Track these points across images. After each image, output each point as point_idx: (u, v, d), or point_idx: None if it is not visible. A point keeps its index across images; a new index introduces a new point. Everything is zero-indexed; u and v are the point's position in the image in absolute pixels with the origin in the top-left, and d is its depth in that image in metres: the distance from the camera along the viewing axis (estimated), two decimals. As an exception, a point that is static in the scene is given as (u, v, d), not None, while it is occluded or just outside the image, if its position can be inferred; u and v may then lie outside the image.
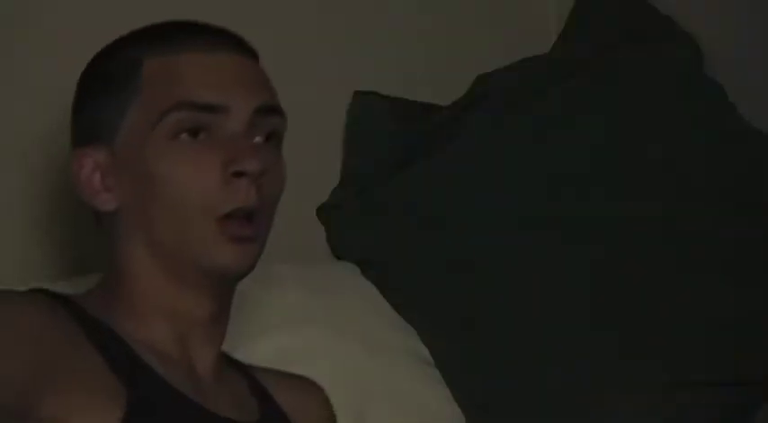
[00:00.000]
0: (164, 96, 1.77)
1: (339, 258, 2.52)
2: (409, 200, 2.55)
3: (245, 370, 1.94)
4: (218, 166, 1.72)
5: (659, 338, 2.47)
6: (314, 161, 2.52)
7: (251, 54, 1.85)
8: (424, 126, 2.65)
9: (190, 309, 1.79)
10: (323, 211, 2.52)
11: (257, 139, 1.77)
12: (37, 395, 1.61)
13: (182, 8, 2.16)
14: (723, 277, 2.52)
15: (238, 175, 1.71)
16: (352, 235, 2.54)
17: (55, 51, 2.56)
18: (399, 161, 2.60)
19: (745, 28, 2.79)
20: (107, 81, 1.83)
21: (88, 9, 2.68)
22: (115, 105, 1.79)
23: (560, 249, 2.56)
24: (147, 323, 1.77)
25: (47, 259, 2.48)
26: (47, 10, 2.59)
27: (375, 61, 2.62)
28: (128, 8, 2.54)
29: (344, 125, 2.59)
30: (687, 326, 2.47)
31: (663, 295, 2.51)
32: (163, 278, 1.77)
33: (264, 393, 1.91)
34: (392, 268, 2.51)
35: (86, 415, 1.63)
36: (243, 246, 1.73)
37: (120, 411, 1.63)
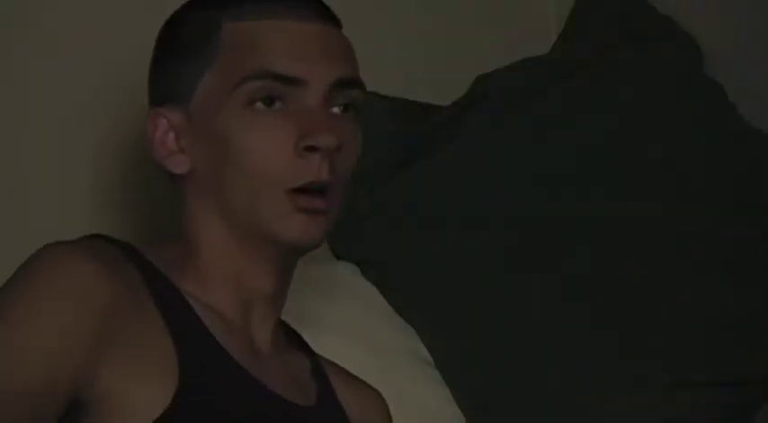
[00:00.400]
0: (242, 63, 1.78)
1: (339, 258, 2.51)
2: (409, 200, 2.55)
3: (310, 352, 1.95)
4: (291, 139, 1.73)
5: (659, 338, 2.48)
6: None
7: (334, 22, 1.85)
8: (424, 126, 2.65)
9: (255, 280, 1.80)
10: (322, 211, 2.49)
11: (335, 109, 1.78)
12: (92, 368, 1.63)
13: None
14: (723, 277, 2.53)
15: (312, 149, 1.72)
16: (352, 235, 2.51)
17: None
18: (399, 161, 2.59)
19: (745, 28, 2.80)
20: (184, 42, 1.84)
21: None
22: (192, 67, 1.81)
23: (560, 249, 2.57)
24: (213, 288, 1.79)
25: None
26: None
27: (375, 61, 2.59)
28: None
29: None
30: (687, 326, 2.49)
31: (663, 295, 2.52)
32: (232, 244, 1.79)
33: (326, 381, 1.92)
34: (392, 268, 2.51)
35: (139, 389, 1.64)
36: (313, 218, 1.74)
37: (172, 387, 1.65)
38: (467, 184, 2.57)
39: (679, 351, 2.46)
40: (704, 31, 2.77)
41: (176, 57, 1.84)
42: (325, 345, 2.19)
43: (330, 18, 1.84)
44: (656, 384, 2.46)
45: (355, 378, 2.02)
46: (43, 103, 2.54)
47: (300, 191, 1.73)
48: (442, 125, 2.64)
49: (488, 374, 2.47)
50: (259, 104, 1.75)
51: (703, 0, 2.86)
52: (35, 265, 1.69)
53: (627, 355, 2.47)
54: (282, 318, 1.92)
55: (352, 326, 2.43)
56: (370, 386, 2.04)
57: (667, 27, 2.77)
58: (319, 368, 1.94)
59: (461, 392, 2.46)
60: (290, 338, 1.95)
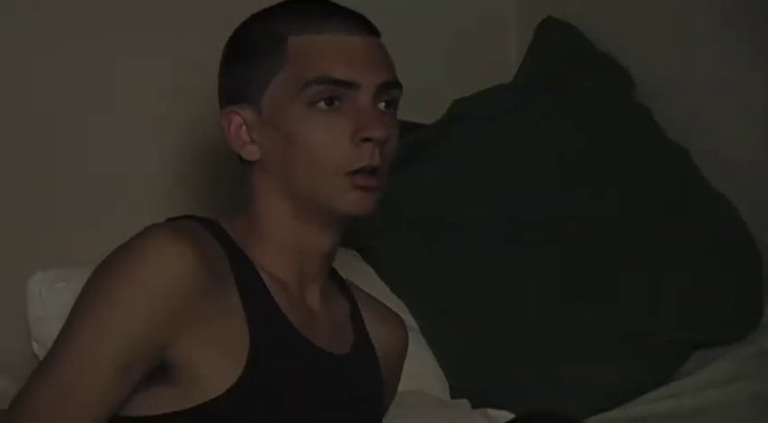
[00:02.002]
0: (306, 70, 1.89)
1: (344, 246, 2.47)
2: (400, 201, 2.70)
3: (348, 293, 2.07)
4: (348, 132, 1.86)
5: (610, 308, 2.72)
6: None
7: (376, 34, 1.95)
8: (412, 140, 2.78)
9: (314, 243, 1.93)
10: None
11: (381, 105, 1.90)
12: (172, 339, 1.76)
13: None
14: (656, 261, 2.78)
15: (366, 140, 1.85)
16: (354, 228, 2.44)
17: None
18: (392, 168, 2.48)
19: (668, 63, 3.01)
20: (253, 51, 1.96)
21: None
22: (261, 73, 1.92)
23: (524, 237, 2.78)
24: (276, 257, 1.91)
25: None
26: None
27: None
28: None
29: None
30: (632, 299, 2.73)
31: (612, 275, 2.75)
32: (294, 217, 1.91)
33: (361, 323, 2.05)
34: (385, 255, 2.74)
35: (209, 364, 1.78)
36: (366, 193, 1.88)
37: (240, 365, 1.79)
38: (448, 188, 2.80)
39: (625, 317, 2.69)
40: (635, 65, 3.01)
41: (247, 64, 1.94)
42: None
43: (372, 30, 1.95)
44: (611, 338, 2.68)
45: (384, 307, 2.16)
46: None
47: (357, 172, 1.86)
48: (427, 140, 2.84)
49: (465, 339, 2.67)
50: (321, 104, 1.87)
51: (634, 39, 3.05)
52: (141, 246, 1.80)
53: (585, 323, 2.68)
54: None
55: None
56: (395, 315, 2.17)
57: (605, 61, 3.01)
58: (355, 309, 2.06)
59: (442, 354, 2.67)
60: (334, 282, 2.06)
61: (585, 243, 2.78)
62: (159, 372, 1.77)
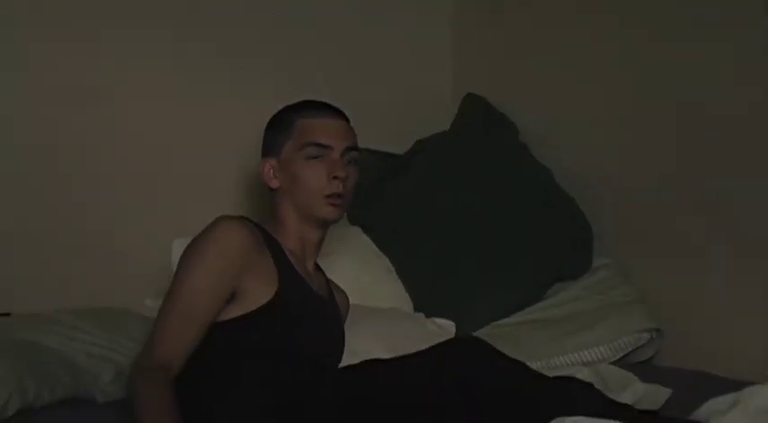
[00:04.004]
0: (304, 138, 1.95)
1: (352, 224, 2.76)
2: (385, 199, 2.80)
3: (323, 274, 2.10)
4: (325, 173, 1.93)
5: (505, 259, 2.73)
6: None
7: (345, 118, 1.99)
8: (391, 164, 2.88)
9: (309, 236, 1.99)
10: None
11: (347, 159, 1.95)
12: (239, 280, 1.83)
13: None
14: (532, 233, 2.78)
15: (335, 178, 1.92)
16: (356, 213, 2.74)
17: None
18: (380, 180, 2.83)
19: (540, 117, 2.93)
20: (279, 127, 2.00)
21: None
22: (281, 139, 1.98)
23: (457, 219, 2.79)
24: (290, 240, 1.98)
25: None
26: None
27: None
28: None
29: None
30: (517, 254, 2.75)
31: (506, 243, 2.75)
32: (298, 221, 1.98)
33: (329, 286, 2.09)
34: (377, 229, 2.79)
35: (258, 288, 1.85)
36: (335, 208, 1.95)
37: (274, 289, 1.86)
38: (413, 192, 2.82)
39: (513, 263, 2.71)
40: (519, 118, 2.95)
41: (275, 134, 2.00)
42: (340, 264, 2.47)
43: (343, 116, 1.99)
44: (506, 277, 2.70)
45: (337, 285, 2.13)
46: (218, 135, 2.63)
47: (329, 196, 1.92)
48: (400, 164, 2.89)
49: (420, 277, 2.72)
50: (312, 158, 1.93)
51: (519, 104, 2.95)
52: (217, 228, 1.84)
53: (490, 269, 2.71)
54: (323, 249, 2.06)
55: (356, 255, 2.66)
56: (342, 290, 2.16)
57: (501, 118, 2.96)
58: (327, 281, 2.09)
59: (407, 284, 2.73)
60: (318, 267, 2.05)
61: (488, 225, 2.78)
62: (230, 297, 1.83)
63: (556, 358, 2.49)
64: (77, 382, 2.12)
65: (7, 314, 2.28)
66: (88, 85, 2.53)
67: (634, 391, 2.10)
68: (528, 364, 1.87)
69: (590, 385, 1.83)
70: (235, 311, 1.82)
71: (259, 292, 1.83)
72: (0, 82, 2.46)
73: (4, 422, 1.92)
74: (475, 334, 2.45)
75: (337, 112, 1.98)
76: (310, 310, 1.92)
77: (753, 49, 2.40)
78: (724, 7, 2.44)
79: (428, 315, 2.61)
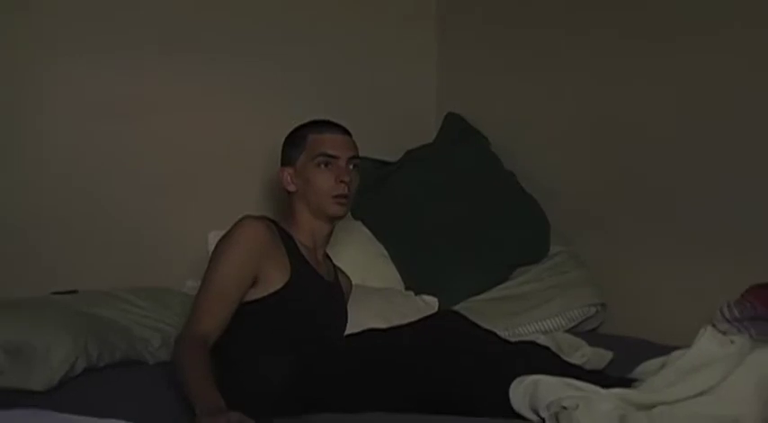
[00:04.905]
0: (315, 150, 1.96)
1: (354, 219, 2.73)
2: (381, 199, 2.77)
3: (332, 261, 2.08)
4: (333, 178, 1.95)
5: (479, 246, 2.67)
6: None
7: (348, 133, 2.00)
8: (384, 170, 2.84)
9: (320, 229, 1.99)
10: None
11: (350, 166, 1.96)
12: (259, 269, 1.84)
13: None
14: (499, 226, 2.72)
15: (341, 182, 1.93)
16: (358, 211, 2.71)
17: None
18: (374, 183, 2.78)
19: (507, 131, 2.88)
20: (295, 142, 2.00)
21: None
22: (297, 151, 1.98)
23: (442, 217, 2.74)
24: (303, 235, 1.97)
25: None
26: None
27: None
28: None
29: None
30: (485, 242, 2.69)
31: (481, 232, 2.72)
32: (310, 217, 1.98)
33: (335, 272, 2.08)
34: (375, 222, 2.75)
35: (274, 275, 1.85)
36: (341, 206, 1.95)
37: (287, 275, 1.87)
38: (403, 192, 2.79)
39: (484, 249, 2.65)
40: (491, 132, 2.91)
41: (292, 147, 2.00)
42: (345, 251, 2.45)
43: (347, 132, 2.00)
44: (481, 260, 2.65)
45: (342, 271, 2.13)
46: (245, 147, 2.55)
47: (336, 196, 1.93)
48: (393, 169, 2.86)
49: (409, 260, 2.69)
50: (322, 166, 1.95)
51: (491, 120, 2.90)
52: (241, 227, 1.85)
53: (467, 252, 2.67)
54: (332, 240, 2.05)
55: (356, 243, 2.61)
56: (346, 274, 2.14)
57: (475, 133, 2.91)
58: (335, 267, 2.09)
59: (399, 267, 2.69)
60: (327, 257, 2.06)
61: (464, 220, 2.74)
62: (252, 282, 1.83)
63: (519, 328, 2.48)
64: (131, 347, 2.13)
65: (75, 291, 2.30)
66: (135, 101, 2.52)
67: (583, 354, 2.10)
68: (496, 332, 1.87)
69: (547, 349, 1.84)
70: (257, 294, 1.82)
71: (275, 278, 1.83)
72: (61, 97, 2.44)
73: (74, 379, 1.96)
74: (454, 308, 2.45)
75: (341, 129, 1.98)
76: (317, 291, 1.90)
77: (672, 75, 2.45)
78: (668, 45, 2.46)
79: (416, 293, 2.60)
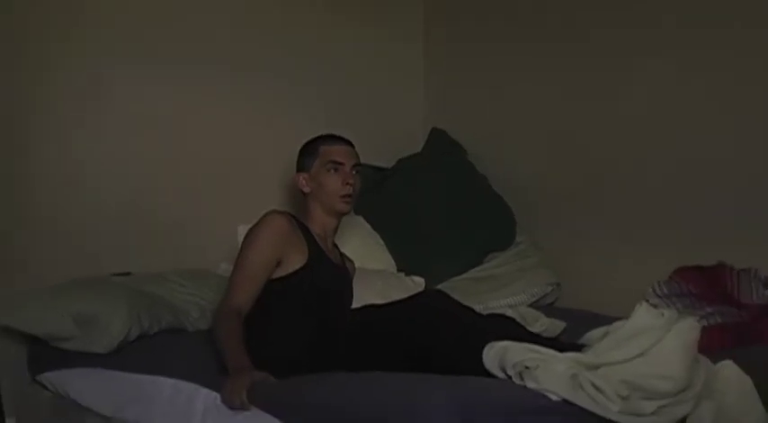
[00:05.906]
0: (326, 158, 1.94)
1: (356, 214, 2.69)
2: (377, 199, 2.72)
3: (339, 250, 2.06)
4: (341, 181, 1.93)
5: (461, 235, 2.64)
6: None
7: (352, 144, 1.98)
8: (380, 175, 2.79)
9: (330, 222, 1.97)
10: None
11: (354, 172, 1.95)
12: (282, 253, 1.83)
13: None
14: (475, 222, 2.68)
15: (347, 184, 1.92)
16: (359, 208, 2.63)
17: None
18: (373, 186, 2.75)
19: (482, 143, 2.83)
20: (309, 151, 1.98)
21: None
22: (311, 159, 1.97)
23: (428, 212, 2.71)
24: (316, 227, 1.95)
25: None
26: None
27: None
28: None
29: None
30: (460, 233, 2.66)
31: (465, 224, 2.66)
32: (322, 213, 1.96)
33: (342, 258, 2.05)
34: (374, 217, 2.72)
35: (294, 258, 1.84)
36: (347, 204, 1.94)
37: (305, 259, 1.85)
38: (395, 194, 2.75)
39: (462, 239, 2.62)
40: (469, 143, 2.86)
41: (306, 156, 1.98)
42: (350, 241, 2.42)
43: (351, 143, 1.98)
44: (463, 247, 2.62)
45: (347, 256, 2.09)
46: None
47: (343, 196, 1.92)
48: (387, 174, 2.82)
49: (401, 248, 2.67)
50: (331, 171, 1.93)
51: (470, 133, 2.84)
52: (266, 219, 1.83)
53: (451, 241, 2.63)
54: (339, 232, 2.03)
55: (358, 235, 2.58)
56: (351, 260, 2.11)
57: (455, 145, 2.87)
58: (342, 254, 2.06)
59: (392, 252, 2.67)
60: (336, 246, 2.03)
61: (445, 214, 2.70)
62: (276, 264, 1.82)
63: (491, 302, 2.45)
64: (175, 317, 2.13)
65: (129, 273, 2.29)
66: (177, 117, 2.49)
67: (541, 324, 2.11)
68: (473, 306, 1.87)
69: (513, 320, 1.85)
70: (280, 273, 1.82)
71: (295, 260, 1.83)
72: (116, 115, 2.40)
73: (129, 344, 1.98)
74: (438, 287, 2.44)
75: (347, 141, 1.98)
76: (329, 272, 1.90)
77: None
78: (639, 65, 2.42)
79: (407, 274, 2.58)
